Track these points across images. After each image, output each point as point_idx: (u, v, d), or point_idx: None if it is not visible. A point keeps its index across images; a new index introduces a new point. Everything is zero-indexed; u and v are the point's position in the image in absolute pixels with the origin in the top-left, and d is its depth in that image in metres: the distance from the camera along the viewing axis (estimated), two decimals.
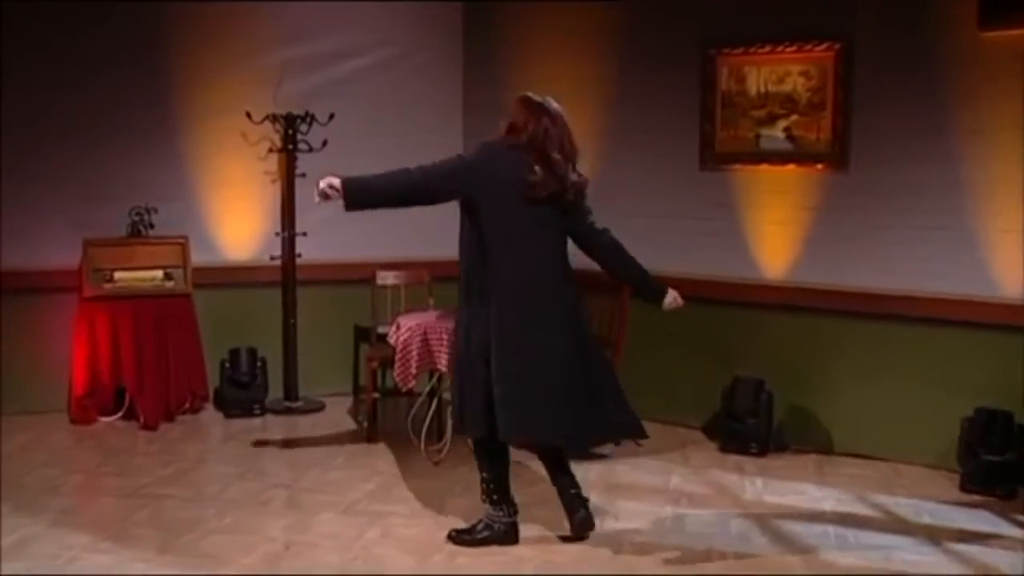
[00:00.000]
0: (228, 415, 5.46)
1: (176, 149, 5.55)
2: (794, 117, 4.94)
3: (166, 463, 4.68)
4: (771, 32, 4.98)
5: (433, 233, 5.69)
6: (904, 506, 4.23)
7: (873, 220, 4.82)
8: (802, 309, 4.95)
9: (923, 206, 4.68)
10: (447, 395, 4.87)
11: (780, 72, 4.96)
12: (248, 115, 5.50)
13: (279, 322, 5.65)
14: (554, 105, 3.47)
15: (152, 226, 5.40)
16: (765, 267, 5.12)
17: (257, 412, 5.47)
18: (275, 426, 5.38)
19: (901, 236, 4.76)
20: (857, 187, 4.86)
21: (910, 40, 4.68)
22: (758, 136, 5.04)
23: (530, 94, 3.49)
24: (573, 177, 3.45)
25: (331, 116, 5.52)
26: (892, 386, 4.78)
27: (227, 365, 5.48)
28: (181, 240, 5.39)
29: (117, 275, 5.26)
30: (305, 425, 5.37)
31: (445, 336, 4.44)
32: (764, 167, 5.06)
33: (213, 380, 5.58)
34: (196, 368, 5.46)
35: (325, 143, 5.53)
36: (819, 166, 4.93)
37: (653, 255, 5.22)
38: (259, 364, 5.53)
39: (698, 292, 5.12)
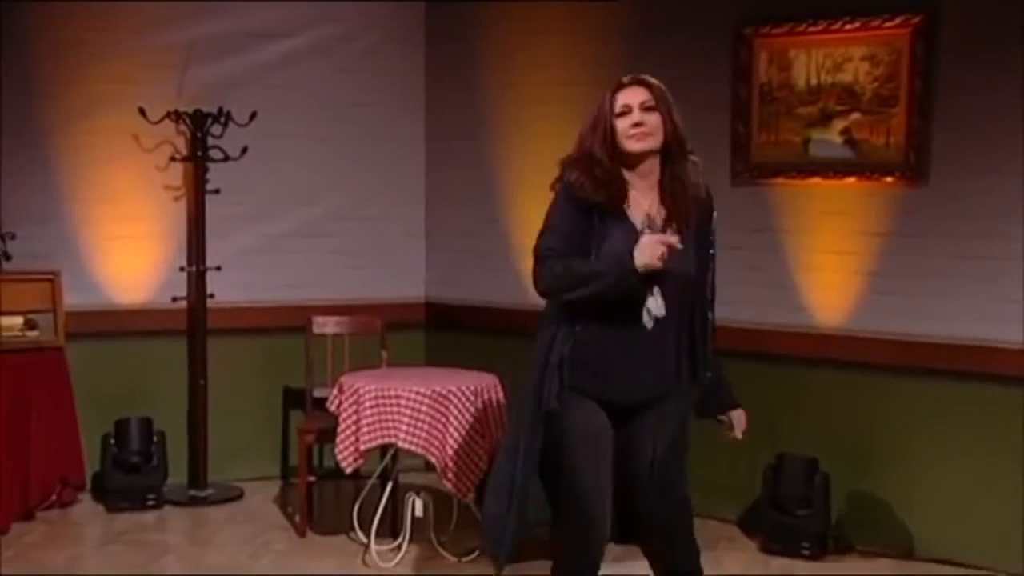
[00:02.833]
0: (112, 508, 5.22)
1: (42, 156, 5.36)
2: (856, 115, 4.78)
3: None
4: (825, 5, 4.77)
5: (387, 268, 5.79)
6: None
7: (961, 249, 4.60)
8: (867, 366, 4.76)
9: None
10: (404, 478, 4.91)
11: (837, 56, 4.79)
12: (142, 112, 5.31)
13: (183, 384, 5.53)
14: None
15: (9, 257, 5.21)
16: (818, 311, 4.91)
17: (152, 503, 5.26)
18: (176, 521, 5.18)
19: (1000, 270, 4.51)
20: (939, 206, 4.64)
21: (1014, 12, 4.45)
22: (808, 141, 4.89)
23: None
24: None
25: (253, 115, 5.39)
26: (992, 468, 4.52)
27: (112, 441, 5.28)
28: (50, 276, 5.21)
29: None
30: (217, 519, 5.18)
31: (404, 401, 4.36)
32: (816, 181, 4.89)
33: (92, 462, 5.35)
34: (68, 446, 5.24)
35: (245, 150, 5.40)
36: (889, 179, 4.74)
37: None
38: (155, 440, 5.34)
39: (731, 344, 4.96)
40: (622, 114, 3.09)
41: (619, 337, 3.08)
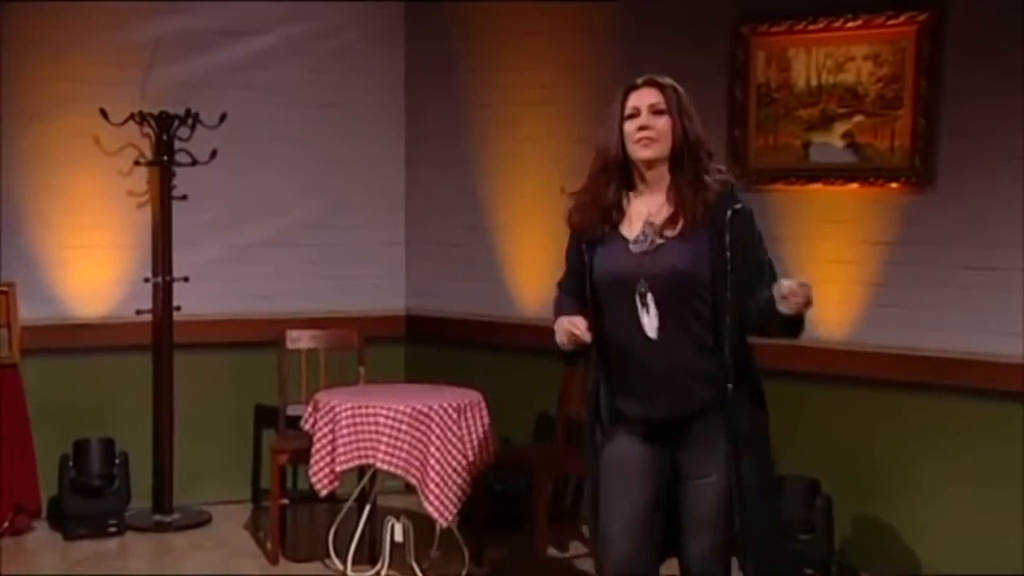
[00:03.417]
0: (70, 536, 5.13)
1: None
2: (858, 118, 4.75)
3: None
4: (826, 1, 4.74)
5: (365, 278, 5.75)
6: None
7: (970, 258, 4.57)
8: (871, 382, 4.72)
9: None
10: (383, 501, 4.83)
11: (839, 56, 4.76)
12: (103, 113, 5.25)
13: (147, 402, 5.48)
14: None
15: None
16: (818, 324, 4.68)
17: (113, 530, 5.18)
18: (140, 548, 5.13)
19: (1010, 281, 4.47)
20: (946, 213, 4.61)
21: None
22: (808, 144, 4.86)
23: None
24: None
25: (222, 117, 5.34)
26: (1003, 489, 4.46)
27: (71, 464, 5.19)
28: (4, 288, 5.18)
29: None
30: (183, 546, 5.12)
31: (382, 419, 4.34)
32: (816, 187, 4.87)
33: (48, 486, 5.25)
34: (23, 469, 5.16)
35: (214, 154, 5.35)
36: (893, 185, 4.71)
37: None
38: (118, 461, 5.26)
39: None
40: (631, 116, 3.09)
41: (631, 352, 3.09)
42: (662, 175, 3.08)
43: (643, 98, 3.09)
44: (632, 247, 3.08)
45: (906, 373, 4.61)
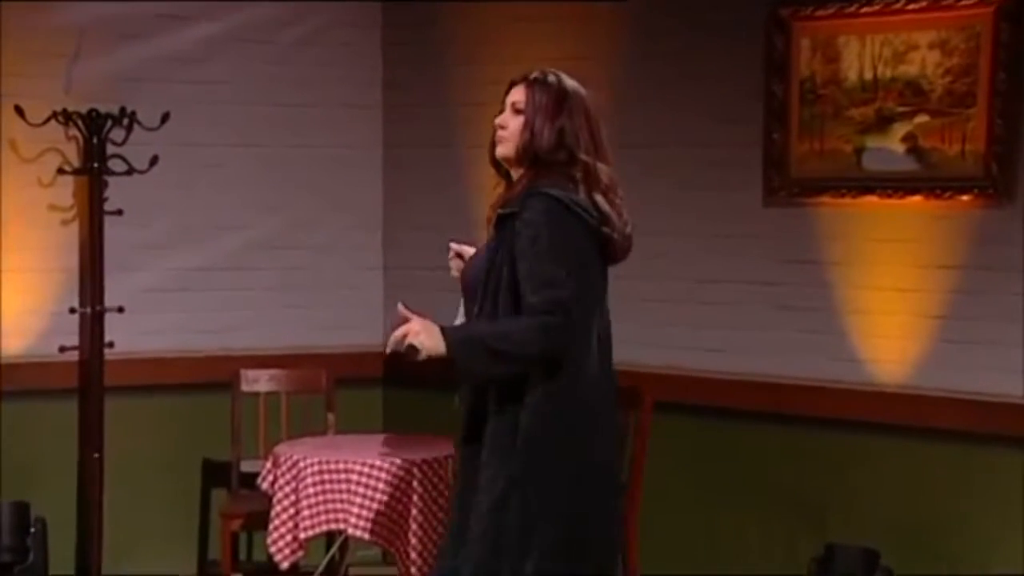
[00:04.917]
0: None
1: None
2: (922, 118, 4.72)
3: None
4: None
5: (335, 309, 5.83)
6: None
7: None
8: (938, 432, 4.68)
9: None
10: (355, 572, 4.98)
11: (899, 44, 4.74)
12: (19, 111, 5.19)
13: (72, 457, 5.39)
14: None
15: None
16: (874, 364, 4.85)
17: None
18: None
19: None
20: None
21: None
22: (861, 150, 4.83)
23: (550, 74, 3.40)
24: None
25: (164, 117, 5.28)
26: None
27: None
28: None
29: None
30: None
31: (355, 476, 4.35)
32: (871, 200, 4.83)
33: None
34: None
35: (155, 161, 5.27)
36: (964, 197, 4.67)
37: (689, 341, 5.23)
38: (34, 529, 5.14)
39: (760, 403, 5.00)
40: (502, 111, 3.42)
41: None
42: (520, 177, 3.37)
43: (512, 95, 3.37)
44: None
45: (979, 422, 4.58)
